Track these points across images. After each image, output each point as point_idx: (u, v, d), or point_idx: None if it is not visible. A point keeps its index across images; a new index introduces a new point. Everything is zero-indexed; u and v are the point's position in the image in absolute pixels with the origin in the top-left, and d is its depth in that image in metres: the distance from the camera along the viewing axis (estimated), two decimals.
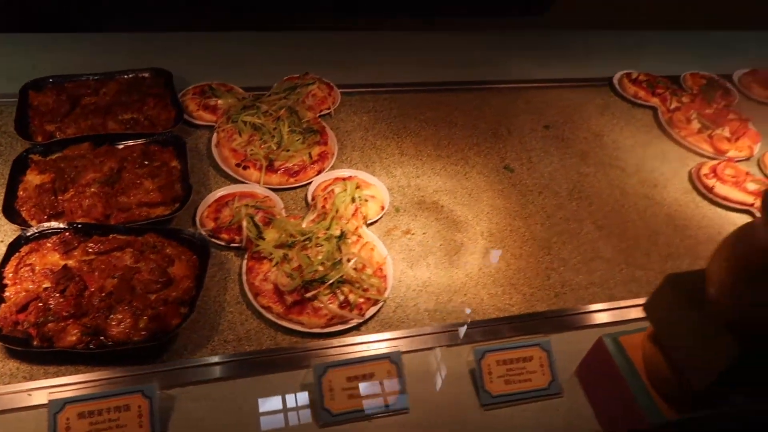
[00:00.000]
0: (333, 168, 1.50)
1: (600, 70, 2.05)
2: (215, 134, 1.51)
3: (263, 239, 1.24)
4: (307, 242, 1.24)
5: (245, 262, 1.23)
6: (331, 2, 2.14)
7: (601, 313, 1.26)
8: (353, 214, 1.33)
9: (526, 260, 1.36)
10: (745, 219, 1.56)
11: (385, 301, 1.21)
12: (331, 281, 1.17)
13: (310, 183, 1.43)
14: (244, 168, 1.42)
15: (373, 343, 1.15)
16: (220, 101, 1.57)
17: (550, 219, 1.48)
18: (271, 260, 1.21)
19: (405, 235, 1.38)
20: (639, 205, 1.56)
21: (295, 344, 1.13)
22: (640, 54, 2.20)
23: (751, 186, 1.59)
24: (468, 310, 1.24)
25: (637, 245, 1.44)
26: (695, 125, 1.80)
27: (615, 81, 1.99)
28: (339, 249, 1.23)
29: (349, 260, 1.22)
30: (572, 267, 1.36)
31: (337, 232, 1.26)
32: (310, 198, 1.40)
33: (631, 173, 1.66)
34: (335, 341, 1.14)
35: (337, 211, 1.32)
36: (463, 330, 1.19)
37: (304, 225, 1.29)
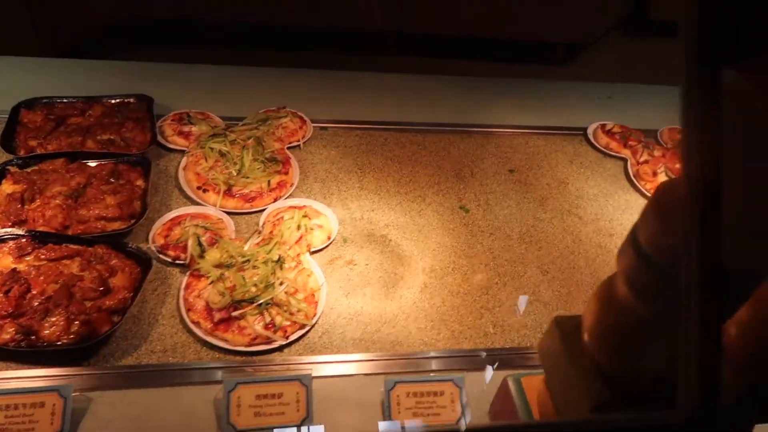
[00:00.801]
0: (291, 197, 1.57)
1: (579, 120, 2.09)
2: (185, 158, 1.61)
3: (204, 258, 1.30)
4: (245, 264, 1.31)
5: (186, 278, 1.30)
6: (318, 41, 2.26)
7: (525, 356, 1.27)
8: (297, 241, 1.39)
9: (462, 298, 1.39)
10: None
11: (312, 326, 1.26)
12: (259, 302, 1.23)
13: (265, 209, 1.51)
14: (204, 191, 1.51)
15: (291, 365, 1.19)
16: (194, 128, 1.68)
17: (495, 260, 1.50)
18: (208, 278, 1.28)
19: (347, 265, 1.43)
20: (590, 253, 1.58)
21: (217, 360, 1.18)
22: (626, 107, 2.22)
23: None
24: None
25: (578, 292, 1.45)
26: (662, 178, 1.82)
27: (589, 131, 2.02)
28: (274, 273, 1.29)
29: (281, 284, 1.27)
30: (508, 309, 1.38)
31: (275, 257, 1.32)
32: (261, 223, 1.47)
33: (588, 221, 1.68)
34: (256, 360, 1.19)
35: (282, 236, 1.39)
36: (382, 360, 1.22)
37: (247, 248, 1.36)
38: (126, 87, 1.79)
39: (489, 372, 1.21)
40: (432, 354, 1.25)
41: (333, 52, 2.32)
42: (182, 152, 1.65)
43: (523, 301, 1.44)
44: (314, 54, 2.24)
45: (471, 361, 1.25)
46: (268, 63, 2.07)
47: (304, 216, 1.45)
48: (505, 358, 1.26)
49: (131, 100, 1.74)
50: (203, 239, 1.35)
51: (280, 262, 1.31)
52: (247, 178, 1.53)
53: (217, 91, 1.95)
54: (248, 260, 1.31)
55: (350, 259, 1.44)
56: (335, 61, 2.11)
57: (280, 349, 1.21)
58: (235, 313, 1.20)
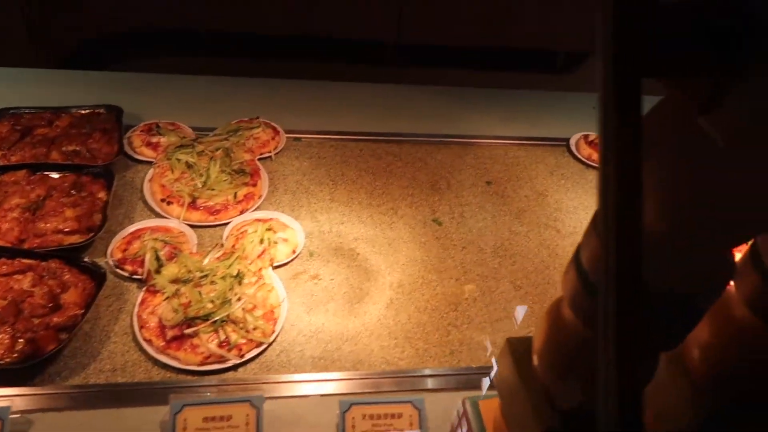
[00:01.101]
0: (259, 209, 1.53)
1: (567, 131, 2.04)
2: (152, 170, 1.57)
3: (160, 273, 1.27)
4: (203, 279, 1.27)
5: (141, 294, 1.26)
6: (297, 51, 2.24)
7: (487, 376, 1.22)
8: (259, 255, 1.35)
9: (429, 314, 1.35)
10: None
11: (270, 344, 1.21)
12: (214, 319, 1.18)
13: (230, 222, 1.47)
14: (168, 203, 1.47)
15: (244, 385, 1.14)
16: (163, 139, 1.65)
17: (466, 275, 1.46)
18: (164, 294, 1.24)
19: (311, 279, 1.38)
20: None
21: (168, 379, 1.14)
22: None
23: None
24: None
25: None
26: None
27: (572, 142, 1.98)
28: (232, 288, 1.25)
29: (239, 299, 1.23)
30: (476, 326, 1.34)
31: (235, 272, 1.28)
32: (225, 237, 1.43)
33: (565, 235, 1.63)
34: (207, 380, 1.15)
35: (243, 250, 1.35)
36: (340, 380, 1.17)
37: (206, 262, 1.32)
38: (103, 97, 1.76)
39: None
40: (393, 374, 1.20)
41: (312, 61, 2.30)
42: (150, 164, 1.61)
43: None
44: (292, 64, 2.21)
45: (434, 381, 1.20)
46: (245, 73, 2.05)
47: (268, 229, 1.41)
48: (471, 378, 1.21)
49: (101, 110, 1.72)
50: (161, 253, 1.31)
51: (239, 277, 1.27)
52: (213, 190, 1.50)
53: (193, 100, 1.92)
54: (207, 275, 1.27)
55: (315, 273, 1.40)
56: (313, 71, 2.08)
57: (235, 368, 1.17)
58: (187, 331, 1.16)
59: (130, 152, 1.63)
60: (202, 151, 1.59)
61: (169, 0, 2.34)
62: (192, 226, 1.45)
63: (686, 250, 0.62)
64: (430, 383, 1.19)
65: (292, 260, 1.41)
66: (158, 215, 1.47)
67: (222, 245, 1.39)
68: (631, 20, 0.48)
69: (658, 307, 0.66)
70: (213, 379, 1.15)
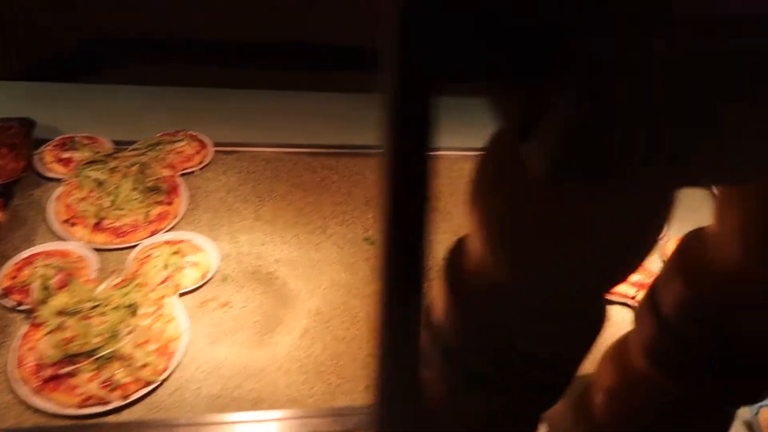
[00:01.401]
0: (173, 230, 1.42)
1: None
2: (60, 188, 1.46)
3: (46, 303, 1.16)
4: (94, 310, 1.16)
5: (26, 327, 1.15)
6: (233, 58, 2.14)
7: None
8: (162, 282, 1.25)
9: (347, 344, 1.24)
10: (623, 313, 1.40)
11: (161, 382, 1.10)
12: (98, 356, 1.08)
13: (137, 245, 1.36)
14: (72, 224, 1.37)
15: (130, 431, 1.03)
16: (76, 154, 1.54)
17: None
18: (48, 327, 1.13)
19: (221, 307, 1.28)
20: None
21: (41, 425, 1.03)
22: None
23: (633, 276, 1.43)
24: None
25: None
26: None
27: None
28: (125, 320, 1.14)
29: (130, 333, 1.12)
30: None
31: (130, 301, 1.17)
32: (130, 261, 1.32)
33: None
34: (88, 423, 1.04)
35: (145, 277, 1.24)
36: (234, 423, 1.06)
37: (101, 290, 1.21)
38: (23, 110, 1.64)
39: None
40: (295, 415, 1.09)
41: (248, 69, 2.19)
42: (61, 181, 1.50)
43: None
44: (227, 72, 2.11)
45: (340, 421, 1.09)
46: (178, 82, 1.94)
47: (176, 252, 1.30)
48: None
49: (12, 124, 1.60)
50: (52, 281, 1.20)
51: (132, 307, 1.16)
52: (122, 209, 1.39)
53: (121, 112, 1.81)
54: (98, 305, 1.16)
55: (226, 300, 1.29)
56: (249, 80, 1.98)
57: (118, 410, 1.06)
58: (64, 370, 1.05)
59: (41, 169, 1.52)
60: (116, 167, 1.48)
61: (125, 7, 2.25)
62: (97, 250, 1.34)
63: (541, 301, 0.52)
64: (336, 424, 1.09)
65: (200, 286, 1.30)
66: (60, 238, 1.36)
67: (122, 271, 1.28)
68: (422, 29, 0.38)
69: (527, 369, 0.56)
70: (92, 424, 1.04)
